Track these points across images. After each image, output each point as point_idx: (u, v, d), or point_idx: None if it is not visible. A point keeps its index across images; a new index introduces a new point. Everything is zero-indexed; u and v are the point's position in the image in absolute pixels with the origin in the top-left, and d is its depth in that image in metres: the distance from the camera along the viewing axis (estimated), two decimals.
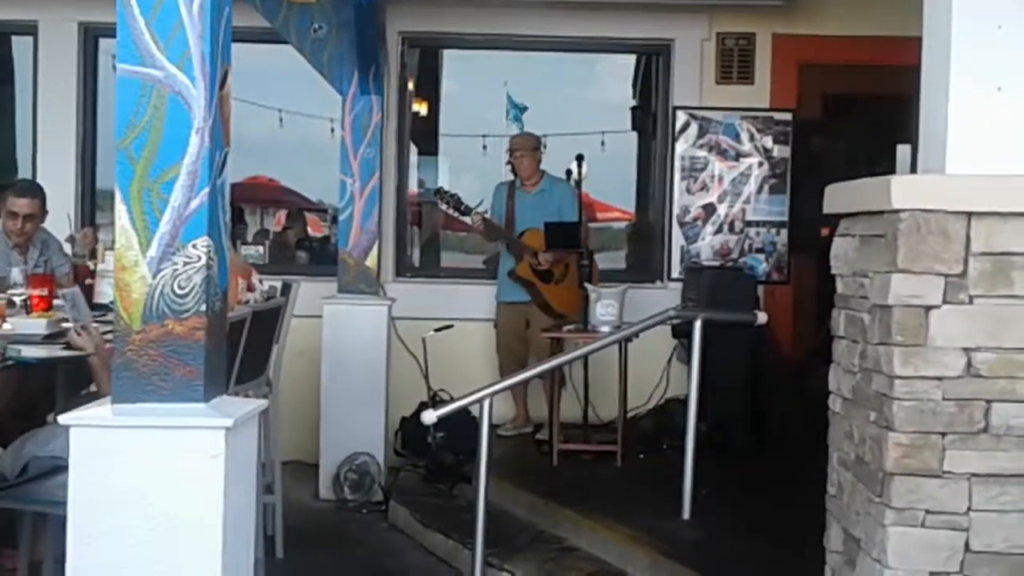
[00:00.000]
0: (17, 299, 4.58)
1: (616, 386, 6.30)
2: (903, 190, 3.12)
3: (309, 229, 9.90)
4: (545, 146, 7.12)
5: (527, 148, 7.00)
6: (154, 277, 2.69)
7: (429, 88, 8.37)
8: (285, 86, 8.10)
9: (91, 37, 7.61)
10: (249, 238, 8.70)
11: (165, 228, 2.69)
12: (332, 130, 7.96)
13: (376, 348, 6.60)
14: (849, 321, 3.53)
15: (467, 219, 6.96)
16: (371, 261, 6.74)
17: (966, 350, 3.09)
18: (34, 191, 5.65)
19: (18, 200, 5.52)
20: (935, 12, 3.36)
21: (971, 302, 3.09)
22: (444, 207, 7.05)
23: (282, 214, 10.56)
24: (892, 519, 3.10)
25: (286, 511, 5.34)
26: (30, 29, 7.54)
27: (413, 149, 8.06)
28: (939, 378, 3.09)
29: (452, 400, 4.94)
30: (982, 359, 3.09)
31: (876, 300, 3.23)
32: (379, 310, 6.67)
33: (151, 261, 2.69)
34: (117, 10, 2.70)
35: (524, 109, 8.64)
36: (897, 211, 3.10)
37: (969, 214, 3.08)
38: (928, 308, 3.09)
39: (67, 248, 5.84)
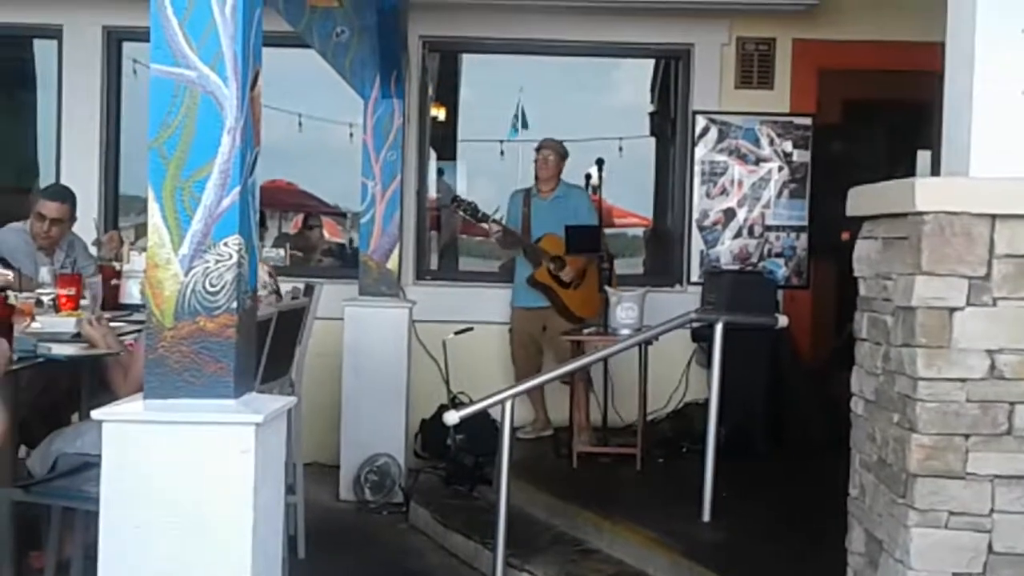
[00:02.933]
0: (45, 298, 4.62)
1: (635, 389, 6.32)
2: (927, 192, 3.13)
3: (327, 233, 9.96)
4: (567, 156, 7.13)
5: (555, 150, 7.02)
6: (186, 275, 2.73)
7: (448, 93, 8.40)
8: (304, 91, 8.14)
9: (115, 41, 7.66)
10: (269, 242, 8.75)
11: (197, 226, 2.73)
12: (351, 135, 8.01)
13: (397, 350, 6.62)
14: (872, 323, 3.54)
15: (484, 226, 6.98)
16: (392, 264, 6.78)
17: (989, 352, 3.10)
18: (64, 196, 5.68)
19: (48, 203, 5.56)
20: (959, 17, 3.38)
21: (995, 304, 3.10)
22: (461, 214, 7.08)
23: (299, 218, 10.60)
24: (915, 520, 3.11)
25: (307, 512, 5.37)
26: (55, 33, 7.61)
27: (433, 154, 8.09)
28: (962, 380, 3.10)
29: (472, 402, 4.97)
30: (1005, 361, 3.10)
31: (899, 302, 3.24)
32: (400, 312, 6.70)
33: (183, 259, 2.73)
34: (151, 11, 2.74)
35: (526, 125, 8.69)
36: (921, 213, 3.12)
37: (993, 216, 3.10)
38: (952, 310, 3.10)
39: (93, 251, 5.88)
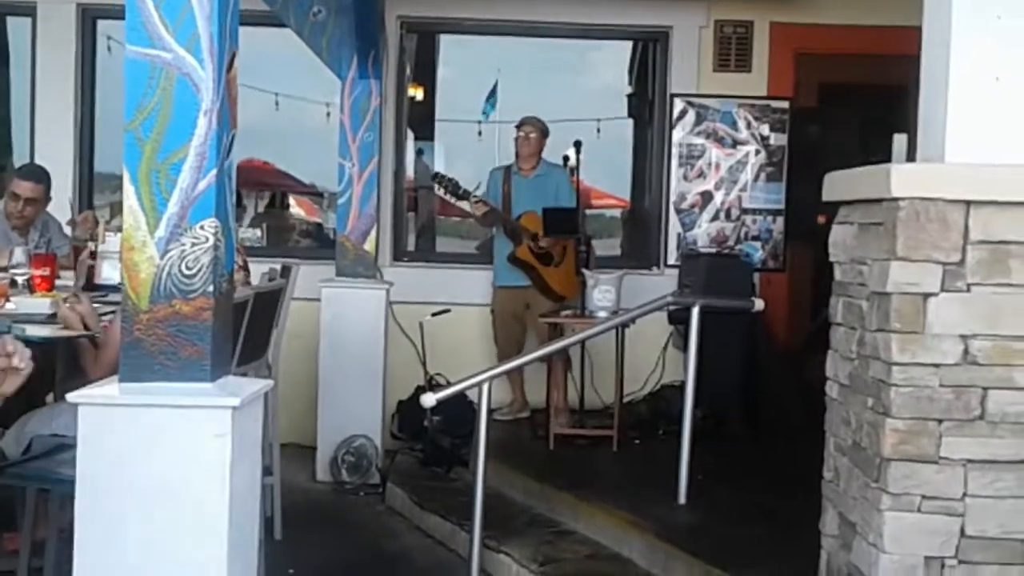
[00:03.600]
0: (20, 279, 4.59)
1: (612, 371, 6.34)
2: (903, 178, 3.16)
3: (302, 212, 9.92)
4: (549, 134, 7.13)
5: (537, 128, 7.02)
6: (162, 257, 2.71)
7: (425, 73, 8.37)
8: (281, 70, 8.10)
9: (89, 19, 7.59)
10: (246, 221, 8.71)
11: (173, 209, 2.72)
12: (328, 115, 7.98)
13: (374, 331, 6.62)
14: (847, 308, 3.57)
15: (464, 204, 6.97)
16: (369, 245, 6.76)
17: (963, 337, 3.14)
18: (39, 176, 5.65)
19: (22, 183, 5.53)
20: (935, 2, 3.39)
21: (969, 290, 3.14)
22: (441, 192, 7.06)
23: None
24: (888, 504, 3.15)
25: (284, 493, 5.36)
26: (29, 10, 7.53)
27: (410, 134, 8.07)
28: (936, 365, 3.14)
29: (449, 384, 4.96)
30: (979, 347, 3.14)
31: (874, 287, 3.27)
32: (377, 294, 6.69)
33: (159, 241, 2.72)
34: None
35: (494, 106, 8.68)
36: (896, 199, 3.14)
37: (968, 203, 3.13)
38: (926, 296, 3.13)
39: (67, 231, 5.85)
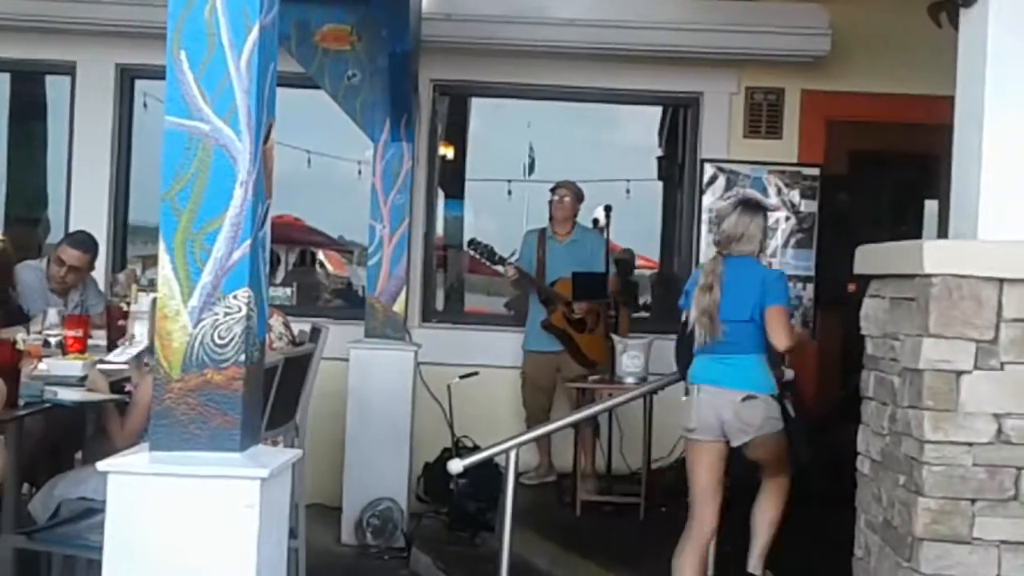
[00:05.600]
0: (52, 339, 4.63)
1: (640, 436, 6.30)
2: (935, 255, 3.14)
3: (331, 267, 9.98)
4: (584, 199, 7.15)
5: (572, 192, 7.04)
6: (195, 327, 2.73)
7: (456, 132, 8.45)
8: (314, 128, 8.19)
9: (127, 78, 7.70)
10: (278, 278, 8.77)
11: (207, 279, 2.74)
12: (359, 172, 8.05)
13: (401, 393, 6.61)
14: (879, 383, 3.54)
15: (500, 268, 6.99)
16: (399, 307, 6.77)
17: (996, 416, 3.11)
18: (87, 246, 5.74)
19: (70, 251, 5.61)
20: (969, 73, 3.40)
21: (1002, 368, 3.11)
22: (478, 257, 7.07)
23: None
24: None
25: (308, 556, 5.32)
26: (68, 69, 7.66)
27: (440, 193, 8.12)
28: (969, 444, 3.10)
29: (476, 447, 4.96)
30: (1012, 425, 3.10)
31: (907, 363, 3.24)
32: (405, 355, 6.70)
33: (192, 311, 2.73)
34: (167, 64, 2.75)
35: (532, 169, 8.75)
36: (929, 275, 3.13)
37: (1001, 280, 3.11)
38: (959, 373, 3.10)
39: (103, 287, 5.91)
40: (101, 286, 6.20)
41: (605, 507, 6.29)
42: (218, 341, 2.73)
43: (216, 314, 2.74)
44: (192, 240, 2.74)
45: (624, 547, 5.63)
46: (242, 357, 2.74)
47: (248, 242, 2.75)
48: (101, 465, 2.69)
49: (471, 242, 7.10)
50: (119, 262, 7.65)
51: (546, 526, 5.93)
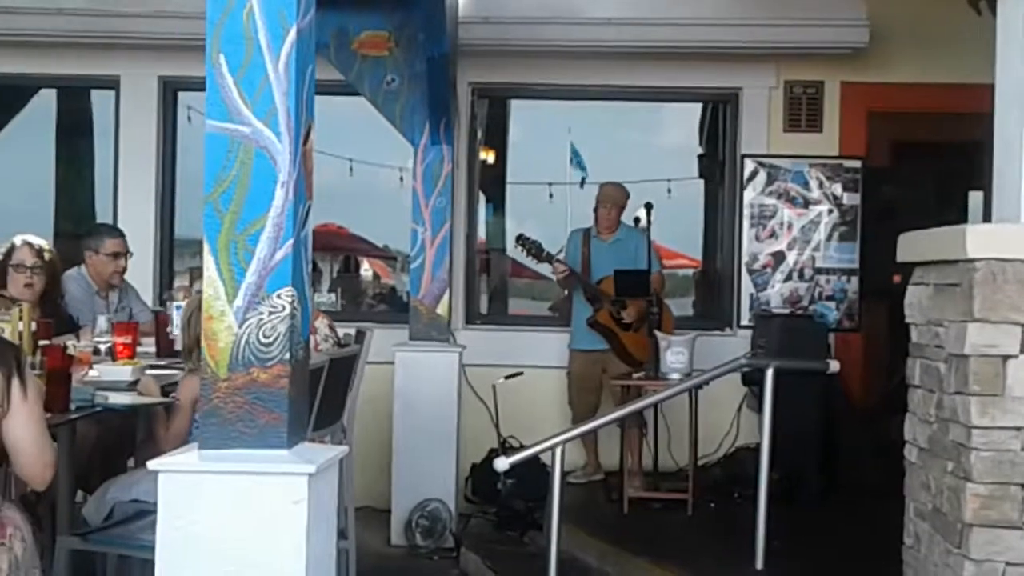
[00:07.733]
0: (102, 347, 4.70)
1: (686, 433, 6.30)
2: (978, 239, 3.12)
3: (377, 273, 10.04)
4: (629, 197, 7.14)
5: (617, 202, 7.03)
6: (240, 326, 2.77)
7: (496, 136, 8.47)
8: (355, 136, 8.25)
9: (170, 91, 7.81)
10: (324, 286, 8.83)
11: (251, 279, 2.77)
12: (401, 179, 8.10)
13: (447, 395, 6.65)
14: (924, 370, 3.52)
15: (546, 265, 7.00)
16: (442, 309, 6.81)
17: None
18: (118, 230, 5.95)
19: (112, 241, 5.76)
20: (1007, 59, 3.38)
21: None
22: (524, 254, 7.07)
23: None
24: (971, 571, 3.08)
25: (359, 557, 5.36)
26: (112, 83, 7.77)
27: (481, 197, 8.15)
28: (1017, 428, 3.08)
29: (522, 447, 4.96)
30: None
31: (952, 349, 3.22)
32: (450, 357, 6.73)
33: (237, 311, 2.77)
34: (207, 69, 2.79)
35: (582, 167, 8.74)
36: (972, 260, 3.11)
37: None
38: (1005, 358, 3.08)
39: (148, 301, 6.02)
40: (147, 299, 6.32)
41: (653, 504, 6.29)
42: (263, 340, 2.77)
43: (261, 313, 2.77)
44: (235, 241, 2.78)
45: (672, 543, 5.63)
46: (287, 355, 2.77)
47: (290, 242, 2.78)
48: (151, 464, 2.74)
49: (519, 238, 7.09)
50: (167, 275, 7.76)
51: (594, 523, 5.94)
